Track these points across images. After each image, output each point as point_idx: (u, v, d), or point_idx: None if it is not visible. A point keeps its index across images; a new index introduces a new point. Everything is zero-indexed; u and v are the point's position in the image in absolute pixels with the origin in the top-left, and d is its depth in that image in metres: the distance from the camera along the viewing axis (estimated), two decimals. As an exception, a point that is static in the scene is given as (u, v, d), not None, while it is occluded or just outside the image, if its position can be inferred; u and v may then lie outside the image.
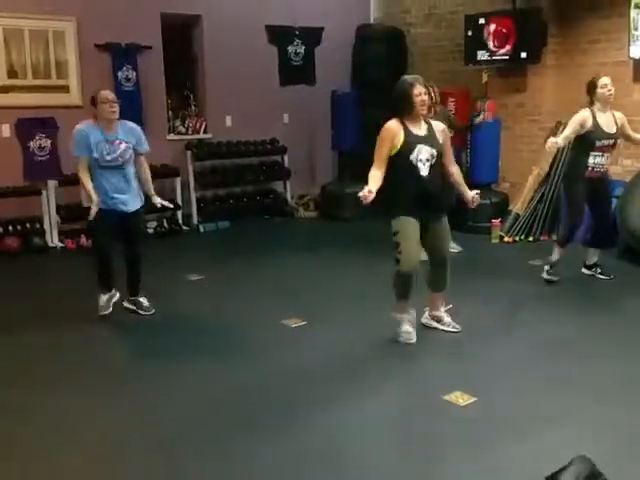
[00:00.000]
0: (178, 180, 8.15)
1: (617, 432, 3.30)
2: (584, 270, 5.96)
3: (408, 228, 4.30)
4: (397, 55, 9.11)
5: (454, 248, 6.72)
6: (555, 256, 5.74)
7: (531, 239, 7.33)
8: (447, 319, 4.72)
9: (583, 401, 3.62)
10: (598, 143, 5.39)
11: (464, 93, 8.27)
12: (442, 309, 4.74)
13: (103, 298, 5.01)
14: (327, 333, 4.64)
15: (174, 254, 7.26)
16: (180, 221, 8.17)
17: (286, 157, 8.98)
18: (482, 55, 7.92)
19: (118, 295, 5.12)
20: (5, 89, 7.16)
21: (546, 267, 5.75)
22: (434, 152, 4.30)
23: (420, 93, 4.24)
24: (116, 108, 4.74)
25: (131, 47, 7.80)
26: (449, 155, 4.54)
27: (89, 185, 4.66)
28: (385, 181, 4.25)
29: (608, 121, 5.45)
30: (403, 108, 4.27)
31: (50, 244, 7.33)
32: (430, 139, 4.32)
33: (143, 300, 5.16)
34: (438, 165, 4.37)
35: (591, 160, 5.44)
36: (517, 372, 4.01)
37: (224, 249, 7.43)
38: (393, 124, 4.27)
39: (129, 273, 5.10)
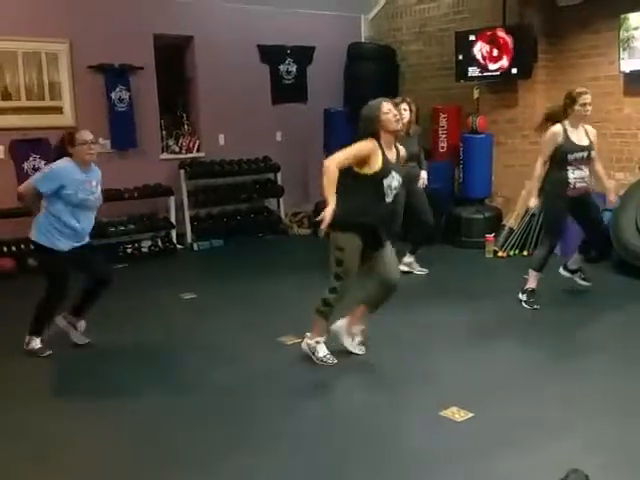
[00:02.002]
0: (172, 199, 8.15)
1: (614, 447, 3.29)
2: (562, 272, 5.86)
3: (355, 249, 4.21)
4: (388, 73, 9.18)
5: (421, 271, 6.72)
6: (532, 284, 5.52)
7: (525, 253, 7.35)
8: (358, 339, 4.57)
9: (579, 416, 3.61)
10: (570, 157, 5.29)
11: (455, 109, 8.33)
12: (358, 328, 4.57)
13: (37, 341, 4.75)
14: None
15: (168, 273, 7.25)
16: (174, 240, 8.16)
17: (279, 175, 9.00)
18: (473, 71, 7.98)
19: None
20: (-1, 111, 7.18)
21: (522, 297, 5.52)
22: (400, 180, 4.26)
23: (389, 110, 4.14)
24: (94, 150, 4.56)
25: (124, 68, 7.84)
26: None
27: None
28: (344, 192, 4.08)
29: (579, 135, 5.36)
30: (375, 130, 4.14)
31: (44, 265, 7.29)
32: (398, 167, 4.28)
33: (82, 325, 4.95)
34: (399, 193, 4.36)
35: (570, 175, 5.32)
36: (513, 387, 4.01)
37: (218, 267, 7.43)
38: (371, 144, 4.12)
39: (91, 295, 4.83)
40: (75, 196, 4.49)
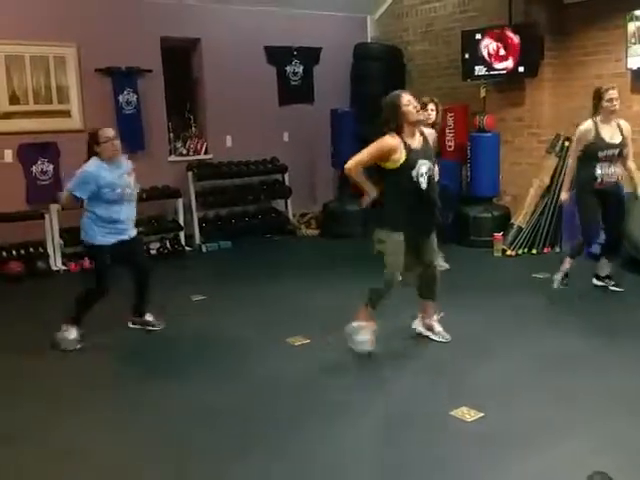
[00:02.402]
0: (180, 201, 8.17)
1: (623, 446, 3.28)
2: (595, 281, 5.88)
3: (397, 243, 4.30)
4: (395, 72, 9.16)
5: (442, 266, 6.70)
6: (566, 265, 5.66)
7: (534, 252, 7.33)
8: (438, 328, 4.73)
9: (589, 416, 3.60)
10: (601, 154, 5.35)
11: (462, 109, 8.31)
12: (435, 317, 4.75)
13: (73, 331, 4.88)
14: (330, 351, 4.63)
15: (177, 275, 7.26)
16: (183, 241, 8.18)
17: (287, 176, 9.01)
18: (480, 70, 7.97)
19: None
20: (7, 115, 7.21)
21: (557, 275, 5.66)
22: (430, 164, 4.31)
23: (409, 101, 4.22)
24: (118, 144, 4.77)
25: (131, 71, 7.87)
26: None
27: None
28: (384, 194, 4.29)
29: (612, 131, 5.41)
30: (396, 121, 4.22)
31: (53, 267, 7.34)
32: (427, 150, 4.35)
33: (149, 317, 5.24)
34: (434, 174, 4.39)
35: (598, 171, 5.38)
36: (522, 387, 4.00)
37: (227, 269, 7.43)
38: (391, 139, 4.21)
39: (139, 292, 5.15)
40: (112, 193, 4.71)
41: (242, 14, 8.57)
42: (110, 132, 4.76)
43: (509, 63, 7.69)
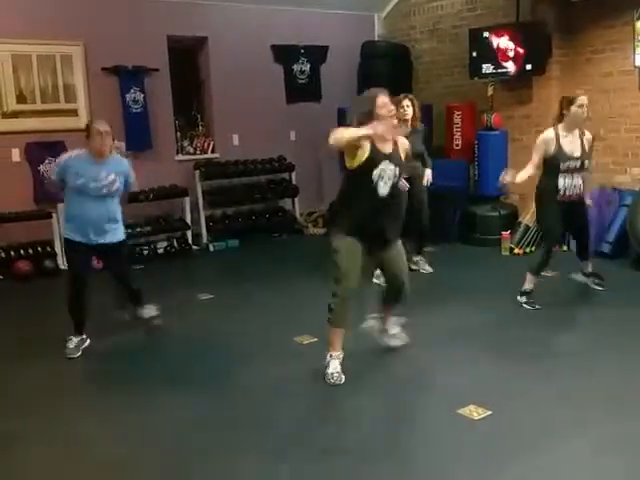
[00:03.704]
0: (187, 200, 8.18)
1: (631, 445, 3.27)
2: (578, 276, 5.78)
3: (351, 248, 4.04)
4: (402, 71, 9.14)
5: (425, 270, 6.69)
6: (529, 285, 5.46)
7: (534, 255, 7.30)
8: (393, 331, 4.56)
9: (596, 414, 3.59)
10: (562, 166, 5.19)
11: (470, 107, 8.30)
12: (393, 320, 4.58)
13: (74, 340, 4.78)
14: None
15: (184, 274, 7.28)
16: (190, 240, 8.19)
17: (294, 174, 9.00)
18: (487, 68, 7.94)
19: (89, 341, 4.87)
20: (14, 114, 7.23)
21: (522, 299, 5.44)
22: (397, 171, 4.03)
23: (384, 104, 3.96)
24: (106, 142, 4.62)
25: (138, 70, 7.88)
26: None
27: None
28: (340, 194, 4.10)
29: (573, 143, 5.25)
30: (369, 119, 3.91)
31: (61, 267, 7.35)
32: (395, 157, 4.06)
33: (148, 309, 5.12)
34: (399, 185, 4.11)
35: (561, 182, 5.23)
36: (530, 385, 3.99)
37: (234, 268, 7.44)
38: (365, 130, 3.86)
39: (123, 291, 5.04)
40: (85, 185, 4.56)
41: (249, 12, 8.57)
42: (102, 125, 4.61)
43: (515, 61, 7.67)
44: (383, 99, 4.00)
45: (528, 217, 7.52)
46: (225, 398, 3.98)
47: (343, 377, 4.10)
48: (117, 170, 4.72)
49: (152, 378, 4.35)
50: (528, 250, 7.34)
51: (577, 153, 5.24)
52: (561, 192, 5.26)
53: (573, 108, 5.18)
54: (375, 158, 3.95)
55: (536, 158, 5.28)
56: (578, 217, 5.45)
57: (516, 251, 7.32)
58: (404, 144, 4.20)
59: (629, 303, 5.45)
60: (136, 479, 3.21)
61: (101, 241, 4.69)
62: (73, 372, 4.52)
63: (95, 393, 4.17)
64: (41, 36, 7.22)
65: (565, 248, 7.15)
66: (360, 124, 3.92)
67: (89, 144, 4.63)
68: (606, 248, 6.83)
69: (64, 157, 4.72)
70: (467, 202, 8.09)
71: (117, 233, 4.79)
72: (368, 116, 3.93)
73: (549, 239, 5.48)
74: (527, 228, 7.46)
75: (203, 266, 7.76)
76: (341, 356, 4.18)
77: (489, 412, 3.61)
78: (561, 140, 5.22)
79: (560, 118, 5.28)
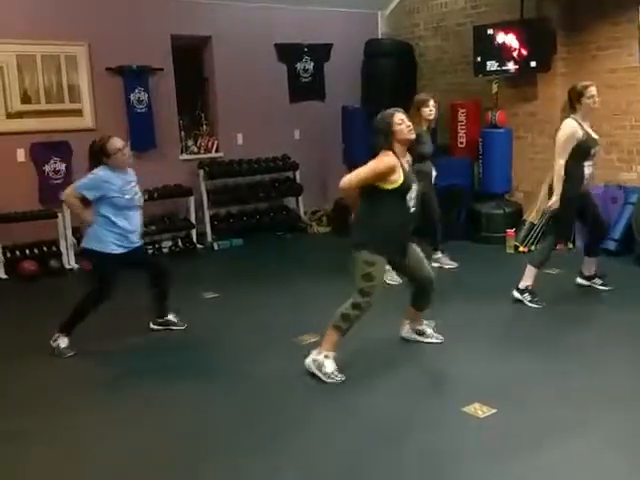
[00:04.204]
0: (191, 199, 8.19)
1: (636, 443, 3.26)
2: (580, 280, 5.75)
3: (384, 263, 4.20)
4: (406, 69, 9.12)
5: (450, 264, 6.70)
6: (529, 281, 5.40)
7: (536, 249, 7.28)
8: (429, 331, 4.69)
9: (600, 412, 3.58)
10: (592, 151, 5.22)
11: (474, 104, 8.28)
12: (424, 322, 4.70)
13: (65, 340, 4.82)
14: (342, 347, 4.62)
15: (189, 272, 7.27)
16: (194, 240, 8.20)
17: (298, 173, 9.00)
18: (491, 65, 7.93)
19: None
20: (19, 114, 7.24)
21: (524, 297, 5.39)
22: (417, 186, 4.18)
23: (402, 120, 4.04)
24: (128, 154, 4.75)
25: (142, 69, 7.88)
26: None
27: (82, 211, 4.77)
28: (368, 210, 4.13)
29: (590, 130, 5.30)
30: (390, 140, 4.03)
31: (67, 266, 7.38)
32: (412, 172, 4.20)
33: (172, 317, 5.26)
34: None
35: (586, 171, 5.25)
36: (535, 383, 3.98)
37: (239, 267, 7.44)
38: (391, 159, 4.00)
39: (158, 293, 5.14)
40: (122, 199, 4.69)
41: (253, 11, 8.57)
42: (119, 142, 4.68)
43: (520, 58, 7.65)
44: (400, 115, 4.08)
45: (533, 215, 7.50)
46: (228, 397, 3.99)
47: (343, 375, 4.13)
48: (134, 178, 4.89)
49: (153, 377, 4.35)
50: (533, 248, 7.31)
51: (596, 136, 5.31)
52: (585, 181, 5.28)
53: (584, 100, 5.20)
54: (408, 181, 4.06)
55: (569, 149, 5.18)
56: (593, 207, 5.48)
57: (521, 249, 7.31)
58: (409, 158, 4.28)
59: (634, 301, 5.42)
60: (138, 478, 3.21)
61: (136, 245, 4.89)
62: (73, 372, 4.51)
63: (96, 393, 4.16)
64: (45, 36, 7.24)
65: (570, 246, 7.13)
66: (380, 142, 4.06)
67: (113, 163, 4.66)
68: (611, 245, 6.81)
69: (99, 175, 4.65)
70: (472, 200, 8.07)
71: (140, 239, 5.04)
72: (388, 133, 4.04)
73: (561, 234, 5.48)
74: (532, 226, 7.43)
75: (208, 265, 7.77)
76: (335, 356, 4.22)
77: (494, 410, 3.61)
78: (585, 127, 5.24)
79: (573, 109, 5.26)
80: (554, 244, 5.46)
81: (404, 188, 4.04)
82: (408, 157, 4.21)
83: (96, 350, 4.85)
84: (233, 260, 7.81)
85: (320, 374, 4.14)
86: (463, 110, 8.29)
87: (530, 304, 5.38)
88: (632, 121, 7.17)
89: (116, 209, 4.70)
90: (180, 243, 8.01)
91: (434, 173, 6.52)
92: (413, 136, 4.12)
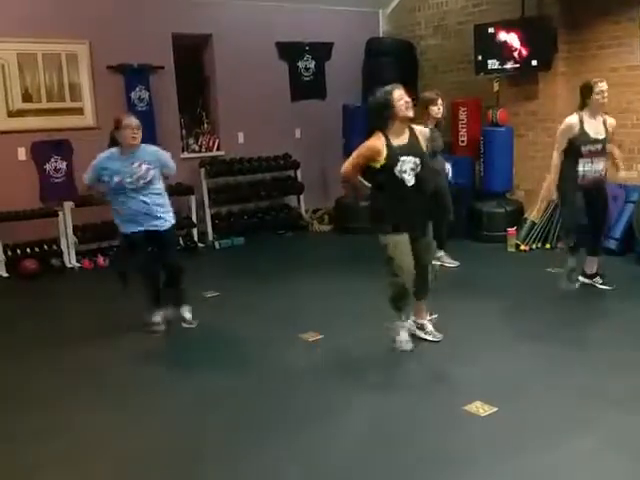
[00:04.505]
0: (193, 198, 8.19)
1: (636, 442, 3.26)
2: (582, 278, 5.76)
3: (399, 241, 4.28)
4: (407, 67, 9.12)
5: (451, 263, 6.71)
6: (572, 263, 5.62)
7: (548, 246, 7.28)
8: (429, 327, 4.70)
9: (601, 411, 3.57)
10: (584, 149, 5.25)
11: (475, 103, 8.27)
12: (426, 317, 4.71)
13: (156, 314, 5.10)
14: (343, 346, 4.63)
15: (190, 271, 7.18)
16: (195, 238, 8.20)
17: (299, 172, 9.00)
18: (492, 64, 7.92)
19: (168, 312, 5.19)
20: (20, 113, 7.25)
21: (597, 280, 5.65)
22: (417, 160, 4.21)
23: (401, 96, 4.14)
24: (138, 135, 4.82)
25: (143, 68, 7.88)
26: None
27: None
28: (371, 195, 4.34)
29: (597, 126, 5.33)
30: (385, 117, 4.16)
31: (68, 265, 7.38)
32: (413, 147, 4.23)
33: (185, 313, 5.27)
34: (426, 171, 4.30)
35: (580, 167, 5.30)
36: (536, 381, 3.98)
37: (240, 265, 7.44)
38: (375, 141, 4.19)
39: (168, 287, 5.20)
40: (112, 182, 4.78)
41: (253, 9, 8.57)
42: (133, 121, 4.83)
43: (521, 57, 7.65)
44: (400, 92, 4.17)
45: (534, 213, 7.50)
46: (229, 397, 3.99)
47: (412, 344, 4.42)
48: (148, 159, 4.88)
49: (154, 376, 4.36)
50: (534, 246, 7.32)
51: (601, 135, 5.33)
52: (581, 176, 5.32)
53: (594, 96, 5.26)
54: (393, 157, 4.15)
55: (563, 142, 5.33)
56: (597, 201, 5.49)
57: (522, 248, 7.30)
58: (422, 132, 4.37)
59: (635, 300, 5.42)
60: (142, 477, 3.22)
61: (153, 227, 4.91)
62: (74, 371, 4.50)
63: (95, 392, 4.16)
64: (46, 35, 7.24)
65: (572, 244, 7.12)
66: (377, 117, 4.19)
67: (120, 136, 4.80)
68: (613, 244, 6.80)
69: (96, 160, 4.88)
70: (473, 199, 8.07)
71: (165, 218, 4.99)
72: (386, 108, 4.14)
73: (571, 223, 5.55)
74: (533, 224, 7.43)
75: (209, 264, 7.76)
76: (407, 326, 4.50)
77: (495, 409, 3.61)
78: (585, 124, 5.28)
79: (582, 105, 5.34)
80: (571, 229, 5.60)
81: (389, 164, 4.15)
82: (407, 133, 4.26)
83: (95, 349, 4.84)
84: (234, 259, 7.81)
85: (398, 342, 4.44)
86: (464, 109, 8.28)
87: (601, 286, 5.64)
88: (633, 120, 7.17)
89: (114, 194, 4.84)
90: (181, 242, 7.99)
91: (448, 169, 6.54)
92: (411, 114, 4.19)
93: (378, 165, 4.18)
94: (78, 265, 7.38)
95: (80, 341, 4.88)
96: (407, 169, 4.17)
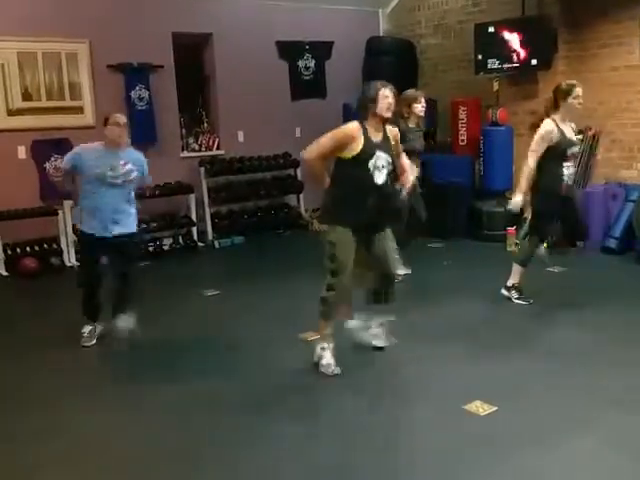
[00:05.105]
0: (192, 197, 8.19)
1: (636, 441, 3.26)
2: (503, 290, 5.53)
3: (346, 240, 4.07)
4: (407, 66, 9.13)
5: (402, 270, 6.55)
6: (516, 278, 5.42)
7: (547, 246, 7.26)
8: (374, 330, 4.50)
9: (601, 411, 3.58)
10: (569, 152, 5.14)
11: (475, 102, 8.27)
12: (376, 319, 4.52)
13: (87, 328, 4.90)
14: (344, 345, 4.62)
15: (190, 270, 7.28)
16: (195, 237, 8.20)
17: (299, 171, 9.00)
18: (492, 63, 7.92)
19: (101, 327, 4.94)
20: (20, 111, 7.24)
21: (513, 294, 5.42)
22: (389, 159, 4.10)
23: (388, 96, 4.06)
24: (123, 133, 4.74)
25: (143, 67, 7.88)
26: (401, 159, 4.37)
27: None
28: (332, 183, 4.11)
29: (569, 130, 5.21)
30: (368, 109, 4.06)
31: (67, 264, 7.38)
32: (386, 145, 4.13)
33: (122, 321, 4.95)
34: (393, 173, 4.18)
35: (565, 171, 5.15)
36: (535, 381, 3.99)
37: (239, 264, 7.45)
38: (354, 126, 4.03)
39: (117, 291, 4.93)
40: (102, 174, 4.63)
41: (254, 8, 8.56)
42: (120, 118, 4.75)
43: (521, 56, 7.65)
44: (386, 92, 4.08)
45: (534, 213, 7.49)
46: (229, 396, 3.99)
47: (339, 368, 4.16)
48: (133, 160, 4.81)
49: (154, 376, 4.35)
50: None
51: (575, 139, 5.26)
52: (564, 182, 5.17)
53: (570, 100, 5.12)
54: (369, 148, 4.02)
55: (541, 150, 5.13)
56: (572, 208, 5.35)
57: (522, 247, 7.29)
58: (392, 131, 4.25)
59: (635, 299, 5.42)
60: (142, 477, 3.22)
61: (114, 232, 4.71)
62: (74, 371, 4.50)
63: (94, 392, 4.14)
64: (46, 34, 7.23)
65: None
66: (363, 108, 4.08)
67: (106, 133, 4.73)
68: (612, 243, 6.81)
69: (78, 147, 4.85)
70: (472, 198, 8.07)
71: (129, 224, 4.83)
72: (370, 101, 4.07)
73: (543, 233, 5.42)
74: (533, 224, 7.42)
75: (208, 262, 7.77)
76: (332, 346, 4.23)
77: (495, 408, 3.61)
78: (561, 127, 5.14)
79: (555, 108, 5.18)
80: (537, 243, 5.42)
81: (364, 155, 4.00)
82: (383, 132, 4.14)
83: (95, 349, 4.84)
84: (234, 258, 7.82)
85: (320, 366, 4.19)
86: (464, 108, 8.28)
87: (517, 301, 5.40)
88: (633, 119, 7.17)
89: (90, 184, 4.68)
90: (181, 241, 8.00)
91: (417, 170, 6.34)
92: (389, 115, 4.10)
93: (350, 155, 4.00)
94: (78, 264, 7.37)
95: (80, 340, 4.87)
96: (380, 165, 4.04)
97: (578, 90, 5.13)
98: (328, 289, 4.15)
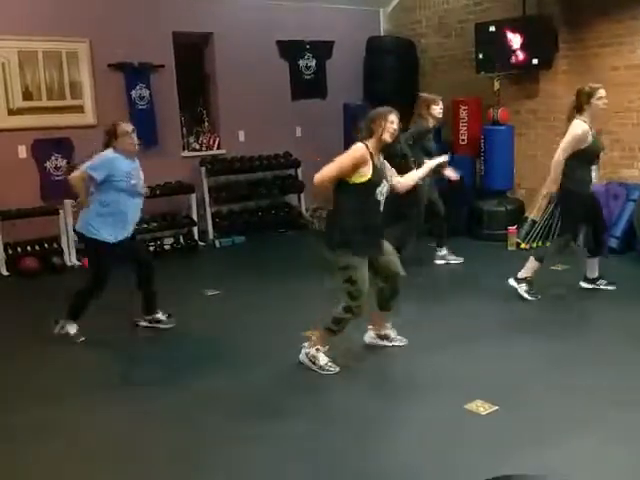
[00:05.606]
0: (193, 196, 8.19)
1: (636, 441, 3.26)
2: (583, 284, 5.65)
3: (363, 265, 4.11)
4: (408, 66, 9.13)
5: (457, 259, 6.75)
6: (529, 272, 5.45)
7: (549, 245, 7.26)
8: (393, 335, 4.61)
9: (601, 411, 3.57)
10: (601, 155, 5.16)
11: (476, 101, 8.27)
12: (388, 325, 4.62)
13: (73, 326, 4.97)
14: (344, 345, 4.62)
15: (191, 270, 7.28)
16: (196, 237, 8.19)
17: (299, 170, 9.00)
18: (493, 63, 7.91)
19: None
20: (20, 111, 7.24)
21: (523, 287, 5.44)
22: (387, 186, 4.16)
23: (394, 122, 4.06)
24: (135, 140, 4.84)
25: (144, 66, 7.88)
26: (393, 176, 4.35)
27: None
28: (339, 208, 4.12)
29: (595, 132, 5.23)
30: (373, 132, 4.06)
31: (68, 263, 7.38)
32: (385, 171, 4.19)
33: (160, 316, 5.21)
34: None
35: (594, 174, 5.20)
36: (536, 380, 3.99)
37: (240, 264, 7.44)
38: (362, 149, 4.03)
39: (145, 290, 5.12)
40: (126, 183, 4.75)
41: (254, 8, 8.56)
42: (129, 127, 4.84)
43: (522, 56, 7.64)
44: (394, 117, 4.10)
45: (535, 212, 7.48)
46: (229, 396, 3.99)
47: (337, 367, 4.19)
48: (139, 168, 4.96)
49: (154, 375, 4.36)
50: (534, 245, 7.29)
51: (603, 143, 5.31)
52: (594, 182, 5.25)
53: (594, 101, 5.12)
54: (378, 175, 4.08)
55: (575, 148, 5.12)
56: (597, 206, 5.45)
57: (522, 246, 7.28)
58: (384, 163, 4.26)
59: (636, 299, 5.42)
60: (142, 477, 3.22)
61: (128, 233, 4.92)
62: (74, 371, 4.51)
63: (93, 392, 4.14)
64: (47, 33, 7.23)
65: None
66: (368, 130, 4.09)
67: (121, 144, 4.78)
68: (613, 243, 6.80)
69: (104, 157, 4.77)
70: (474, 197, 8.06)
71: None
72: (376, 124, 4.07)
73: (571, 235, 5.46)
74: (533, 223, 7.39)
75: (209, 262, 7.77)
76: (326, 348, 4.27)
77: (496, 407, 3.61)
78: (591, 129, 5.16)
79: (580, 111, 5.18)
80: (564, 245, 5.44)
81: (373, 182, 4.05)
82: (381, 157, 4.19)
83: (96, 348, 4.85)
84: (234, 257, 7.81)
85: (315, 367, 4.20)
86: (465, 107, 8.28)
87: (525, 294, 5.41)
88: (634, 119, 7.15)
89: (117, 192, 4.75)
90: (182, 240, 8.00)
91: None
92: (390, 141, 4.12)
93: (360, 180, 4.01)
94: (78, 263, 7.38)
95: (71, 339, 4.88)
96: (384, 192, 4.12)
97: (602, 91, 5.13)
98: (346, 311, 4.15)
